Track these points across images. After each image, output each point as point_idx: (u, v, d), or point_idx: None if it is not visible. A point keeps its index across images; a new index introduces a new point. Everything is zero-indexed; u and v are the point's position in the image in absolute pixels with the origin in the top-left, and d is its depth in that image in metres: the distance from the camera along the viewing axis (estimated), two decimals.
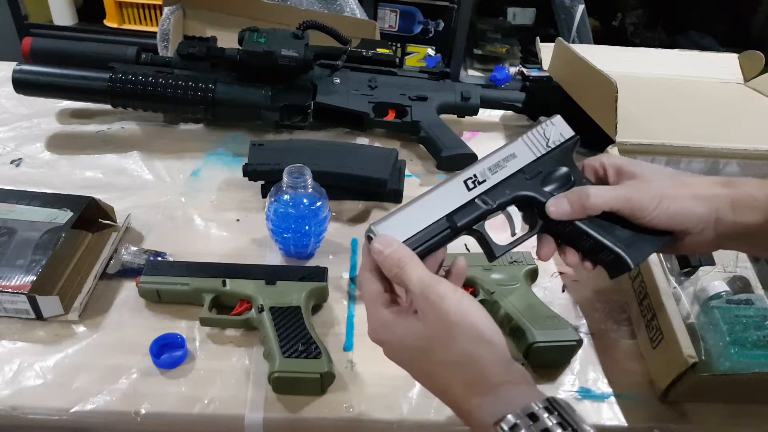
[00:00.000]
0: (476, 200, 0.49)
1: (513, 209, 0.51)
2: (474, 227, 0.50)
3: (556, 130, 0.53)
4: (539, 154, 0.52)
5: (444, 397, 0.43)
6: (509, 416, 0.37)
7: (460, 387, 0.41)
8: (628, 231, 0.50)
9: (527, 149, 0.52)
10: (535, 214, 0.52)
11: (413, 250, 0.46)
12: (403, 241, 0.46)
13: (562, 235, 0.51)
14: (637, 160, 0.52)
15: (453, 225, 0.48)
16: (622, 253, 0.50)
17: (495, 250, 0.51)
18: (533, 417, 0.37)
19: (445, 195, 0.49)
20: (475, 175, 0.50)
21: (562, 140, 0.53)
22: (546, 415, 0.37)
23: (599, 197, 0.48)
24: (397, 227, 0.47)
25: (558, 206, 0.49)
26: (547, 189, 0.51)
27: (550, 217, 0.50)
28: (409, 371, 0.46)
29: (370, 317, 0.46)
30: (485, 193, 0.50)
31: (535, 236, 0.52)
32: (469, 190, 0.49)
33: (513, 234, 0.51)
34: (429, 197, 0.49)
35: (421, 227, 0.47)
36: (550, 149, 0.52)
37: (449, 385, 0.42)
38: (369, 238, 0.47)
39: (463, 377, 0.41)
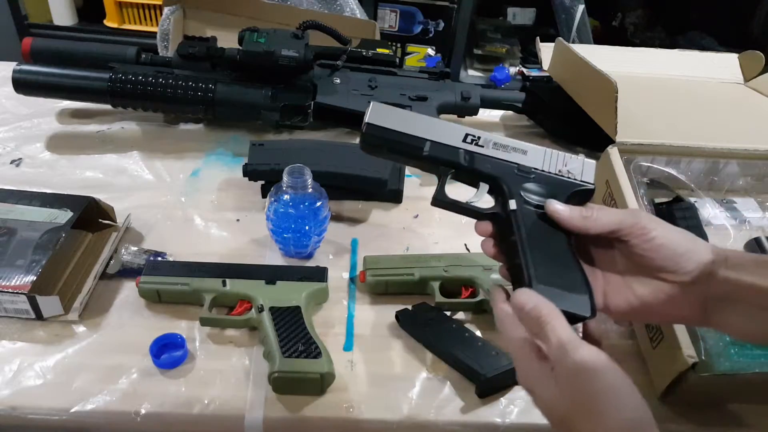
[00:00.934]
0: (460, 151, 0.51)
1: (483, 186, 0.52)
2: (440, 167, 0.52)
3: (580, 168, 0.51)
4: (545, 169, 0.51)
5: None
6: None
7: None
8: (565, 278, 0.46)
9: (540, 158, 0.51)
10: (498, 203, 0.51)
11: (385, 142, 0.50)
12: (381, 126, 0.50)
13: (500, 234, 0.50)
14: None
15: (427, 151, 0.51)
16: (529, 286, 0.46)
17: (438, 194, 0.51)
18: None
19: (443, 129, 0.51)
20: (478, 137, 0.51)
21: (576, 179, 0.51)
22: None
23: (603, 216, 0.47)
24: (390, 117, 0.51)
25: (565, 211, 0.48)
26: (525, 194, 0.50)
27: (549, 210, 0.48)
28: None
29: (520, 364, 0.44)
30: (473, 153, 0.51)
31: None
32: (463, 141, 0.51)
33: (468, 200, 0.52)
34: (431, 120, 0.52)
35: (405, 131, 0.51)
36: (558, 175, 0.51)
37: None
38: (367, 127, 0.50)
39: None
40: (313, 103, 0.91)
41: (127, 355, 0.59)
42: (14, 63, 0.88)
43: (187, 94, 0.88)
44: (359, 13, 1.33)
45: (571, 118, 0.92)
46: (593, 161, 0.52)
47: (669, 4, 2.31)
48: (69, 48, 0.92)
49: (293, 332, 0.58)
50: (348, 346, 0.62)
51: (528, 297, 0.43)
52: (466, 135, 0.51)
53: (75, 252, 0.68)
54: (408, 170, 0.87)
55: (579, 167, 0.51)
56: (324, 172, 0.74)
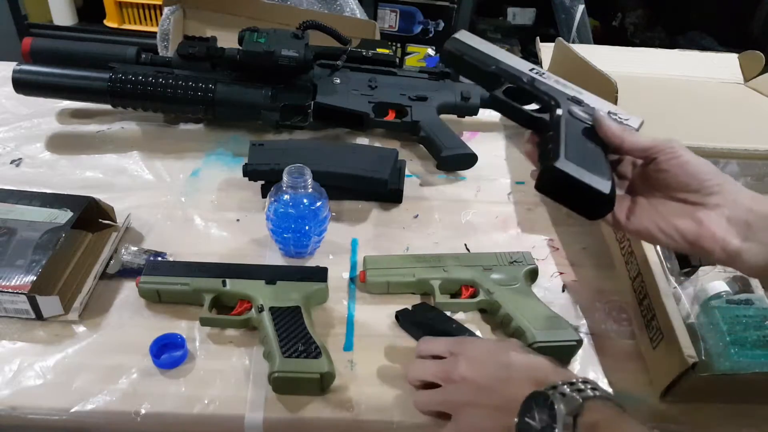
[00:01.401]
0: (525, 75, 0.61)
1: (534, 106, 0.61)
2: (505, 88, 0.61)
3: (628, 115, 0.58)
4: (596, 106, 0.59)
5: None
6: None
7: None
8: (592, 163, 0.53)
9: (593, 99, 0.60)
10: (546, 116, 0.59)
11: (465, 53, 0.62)
12: (468, 44, 0.63)
13: (542, 139, 0.58)
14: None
15: (494, 68, 0.61)
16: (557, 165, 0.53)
17: (493, 97, 0.61)
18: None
19: (513, 59, 0.63)
20: (540, 71, 0.62)
21: (622, 120, 0.58)
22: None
23: (639, 135, 0.54)
24: (475, 41, 0.63)
25: (609, 122, 0.55)
26: (571, 108, 0.58)
27: (595, 117, 0.56)
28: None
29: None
30: (536, 79, 0.61)
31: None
32: (529, 71, 0.62)
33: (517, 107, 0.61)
34: (504, 51, 0.63)
35: (486, 51, 0.63)
36: (607, 112, 0.57)
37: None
38: (452, 41, 0.63)
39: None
40: (313, 103, 0.91)
41: (127, 355, 0.59)
42: (14, 63, 0.88)
43: (187, 94, 0.88)
44: (359, 13, 1.33)
45: None
46: (641, 118, 0.58)
47: (669, 4, 2.31)
48: (69, 48, 0.92)
49: (293, 332, 0.58)
50: (348, 346, 0.62)
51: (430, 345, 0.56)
52: (532, 68, 0.62)
53: (75, 252, 0.68)
54: (408, 170, 0.87)
55: (627, 114, 0.58)
56: (324, 172, 0.74)
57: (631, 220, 0.53)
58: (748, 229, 0.47)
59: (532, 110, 0.60)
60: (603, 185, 0.51)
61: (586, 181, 0.51)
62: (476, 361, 0.51)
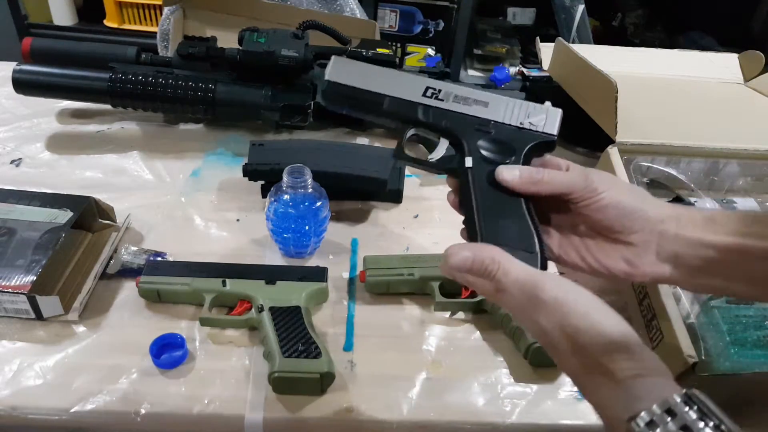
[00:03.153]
0: (419, 106, 0.50)
1: (443, 141, 0.51)
2: (400, 122, 0.51)
3: (543, 118, 0.50)
4: (506, 122, 0.50)
5: (574, 379, 0.41)
6: (644, 413, 0.35)
7: (587, 379, 0.40)
8: (515, 235, 0.47)
9: (501, 110, 0.50)
10: (456, 158, 0.51)
11: (345, 99, 0.50)
12: (343, 84, 0.50)
13: (460, 188, 0.51)
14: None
15: (386, 107, 0.50)
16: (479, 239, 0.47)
17: (398, 150, 0.51)
18: (671, 412, 0.35)
19: (404, 83, 0.50)
20: (439, 90, 0.50)
21: (537, 131, 0.50)
22: (686, 409, 0.34)
23: (551, 178, 0.47)
24: (351, 73, 0.50)
25: (511, 173, 0.47)
26: (482, 151, 0.49)
27: (498, 178, 0.48)
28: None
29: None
30: (432, 108, 0.50)
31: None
32: (423, 95, 0.50)
33: (427, 157, 0.52)
34: (394, 73, 0.51)
35: (365, 87, 0.50)
36: (519, 127, 0.50)
37: (577, 375, 0.40)
38: (329, 86, 0.50)
39: (587, 370, 0.39)
40: (313, 103, 0.91)
41: (127, 355, 0.59)
42: (14, 63, 0.88)
43: (187, 94, 0.88)
44: (359, 13, 1.33)
45: (571, 118, 0.92)
46: (559, 111, 0.51)
47: (669, 4, 2.31)
48: (69, 48, 0.92)
49: (293, 332, 0.58)
50: (348, 346, 0.62)
51: (463, 251, 0.43)
52: (427, 88, 0.50)
53: (75, 252, 0.68)
54: (408, 170, 0.87)
55: (542, 118, 0.50)
56: (324, 172, 0.74)
57: (560, 255, 0.50)
58: (676, 258, 0.46)
59: (442, 157, 0.51)
60: (532, 260, 0.45)
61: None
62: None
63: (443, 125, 0.50)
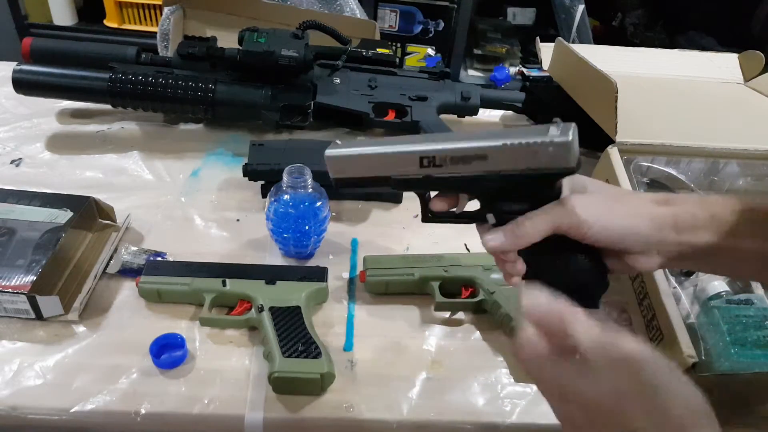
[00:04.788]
0: (422, 178, 0.48)
1: (463, 195, 0.51)
2: (414, 192, 0.51)
3: (551, 152, 0.43)
4: (513, 168, 0.45)
5: None
6: None
7: None
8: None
9: (504, 158, 0.45)
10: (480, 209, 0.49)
11: (355, 188, 0.52)
12: (345, 178, 0.51)
13: None
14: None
15: (394, 185, 0.49)
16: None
17: (424, 214, 0.52)
18: None
19: (400, 158, 0.48)
20: (433, 157, 0.47)
21: (550, 168, 0.44)
22: None
23: (531, 226, 0.45)
24: (349, 164, 0.50)
25: (495, 239, 0.47)
26: (500, 205, 0.47)
27: (487, 249, 0.48)
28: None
29: (544, 370, 0.41)
30: (434, 178, 0.48)
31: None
32: (421, 167, 0.47)
33: (453, 210, 0.51)
34: (387, 149, 0.48)
35: (367, 174, 0.50)
36: (527, 171, 0.44)
37: None
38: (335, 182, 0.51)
39: None
40: (313, 103, 0.91)
41: (127, 355, 0.59)
42: (14, 63, 0.88)
43: (187, 94, 0.88)
44: (359, 13, 1.33)
45: (571, 118, 0.92)
46: (568, 136, 0.43)
47: (669, 4, 2.31)
48: (69, 48, 0.92)
49: (293, 332, 0.58)
50: (348, 346, 0.62)
51: (540, 299, 0.41)
52: (421, 159, 0.47)
53: (75, 252, 0.68)
54: None
55: (550, 152, 0.43)
56: (324, 172, 0.73)
57: None
58: (680, 255, 0.47)
59: (476, 212, 0.50)
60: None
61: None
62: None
63: (455, 187, 0.49)
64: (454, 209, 0.52)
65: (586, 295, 0.46)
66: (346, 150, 0.50)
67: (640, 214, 0.46)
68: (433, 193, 0.51)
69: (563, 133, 0.43)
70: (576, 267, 0.47)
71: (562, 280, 0.45)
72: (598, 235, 0.45)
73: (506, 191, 0.46)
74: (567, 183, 0.48)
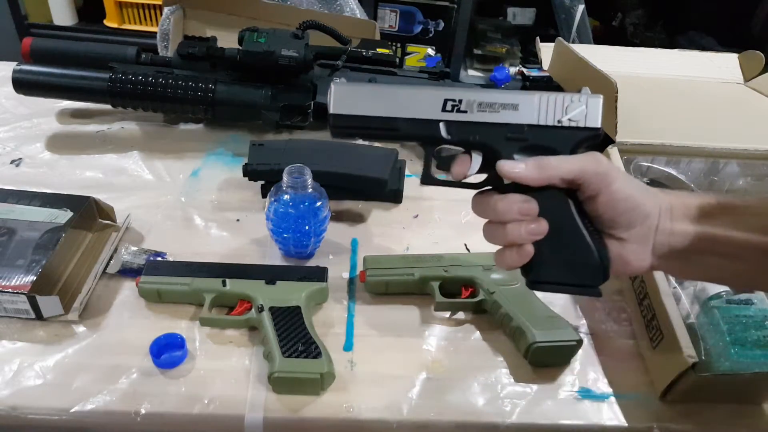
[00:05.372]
0: (441, 124, 0.45)
1: (476, 156, 0.47)
2: (423, 143, 0.48)
3: (583, 111, 0.45)
4: (541, 123, 0.45)
5: None
6: None
7: None
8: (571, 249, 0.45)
9: (534, 111, 0.45)
10: (493, 173, 0.47)
11: (355, 130, 0.47)
12: (349, 115, 0.46)
13: None
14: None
15: (402, 131, 0.45)
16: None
17: (425, 174, 0.48)
18: None
19: (419, 100, 0.45)
20: (459, 101, 0.45)
21: (579, 126, 0.45)
22: None
23: (557, 161, 0.44)
24: (357, 101, 0.45)
25: (517, 166, 0.44)
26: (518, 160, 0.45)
27: (500, 173, 0.44)
28: None
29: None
30: (455, 123, 0.45)
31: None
32: (443, 110, 0.45)
33: (463, 175, 0.47)
34: (405, 90, 0.45)
35: (376, 114, 0.45)
36: (558, 125, 0.45)
37: None
38: (335, 119, 0.47)
39: None
40: (313, 103, 0.91)
41: (127, 355, 0.59)
42: (14, 63, 0.88)
43: (187, 94, 0.88)
44: (359, 13, 1.33)
45: None
46: (599, 97, 0.45)
47: (669, 4, 2.31)
48: (69, 48, 0.92)
49: (293, 332, 0.58)
50: (348, 346, 0.62)
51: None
52: (446, 101, 0.45)
53: (75, 252, 0.68)
54: (408, 170, 0.87)
55: (582, 111, 0.45)
56: (324, 172, 0.74)
57: None
58: (671, 251, 0.46)
59: (480, 182, 0.47)
60: (594, 278, 0.44)
61: (575, 283, 0.44)
62: None
63: (471, 140, 0.45)
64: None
65: (590, 276, 0.45)
66: (362, 86, 0.46)
67: (648, 195, 0.46)
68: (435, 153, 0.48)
69: (595, 95, 0.45)
70: (583, 238, 0.44)
71: (570, 250, 0.44)
72: (617, 193, 0.44)
73: (528, 147, 0.45)
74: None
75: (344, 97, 0.46)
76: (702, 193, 0.49)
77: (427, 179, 0.48)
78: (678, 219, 0.46)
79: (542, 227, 0.45)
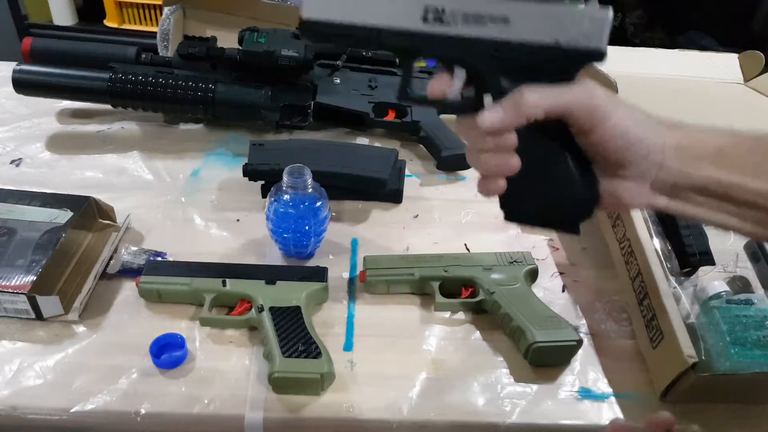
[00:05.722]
0: (419, 36, 0.39)
1: (458, 71, 0.41)
2: (400, 55, 0.43)
3: (586, 27, 0.38)
4: (535, 40, 0.38)
5: None
6: None
7: None
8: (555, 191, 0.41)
9: (526, 24, 0.38)
10: (475, 93, 0.42)
11: (328, 37, 0.41)
12: (321, 21, 0.40)
13: None
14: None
15: (380, 40, 0.40)
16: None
17: (401, 90, 0.43)
18: None
19: (397, 7, 0.39)
20: (441, 10, 0.39)
21: (578, 47, 0.38)
22: None
23: (539, 95, 0.38)
24: (331, 4, 0.40)
25: (493, 114, 0.39)
26: (506, 86, 0.39)
27: (482, 128, 0.39)
28: None
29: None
30: (435, 36, 0.39)
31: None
32: (423, 21, 0.39)
33: (441, 94, 0.42)
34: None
35: (350, 21, 0.40)
36: (554, 45, 0.38)
37: None
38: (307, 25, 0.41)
39: None
40: (313, 103, 0.91)
41: (127, 355, 0.59)
42: (14, 63, 0.88)
43: (187, 94, 0.88)
44: None
45: None
46: (607, 11, 0.38)
47: (669, 4, 2.31)
48: (69, 48, 0.92)
49: (293, 332, 0.58)
50: (348, 346, 0.62)
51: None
52: (426, 9, 0.39)
53: (75, 252, 0.68)
54: (408, 170, 0.87)
55: (584, 27, 0.38)
56: (324, 172, 0.74)
57: None
58: (674, 189, 0.42)
59: (461, 101, 0.42)
60: (582, 208, 0.40)
61: (546, 220, 0.41)
62: None
63: (452, 56, 0.40)
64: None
65: (571, 212, 0.42)
66: None
67: (653, 130, 0.42)
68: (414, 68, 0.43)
69: (602, 9, 0.38)
70: (568, 173, 0.41)
71: (552, 186, 0.41)
72: (612, 129, 0.39)
73: (518, 69, 0.39)
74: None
75: (318, 1, 0.41)
76: (719, 131, 0.43)
77: (402, 95, 0.43)
78: (688, 160, 0.41)
79: (512, 164, 0.41)
